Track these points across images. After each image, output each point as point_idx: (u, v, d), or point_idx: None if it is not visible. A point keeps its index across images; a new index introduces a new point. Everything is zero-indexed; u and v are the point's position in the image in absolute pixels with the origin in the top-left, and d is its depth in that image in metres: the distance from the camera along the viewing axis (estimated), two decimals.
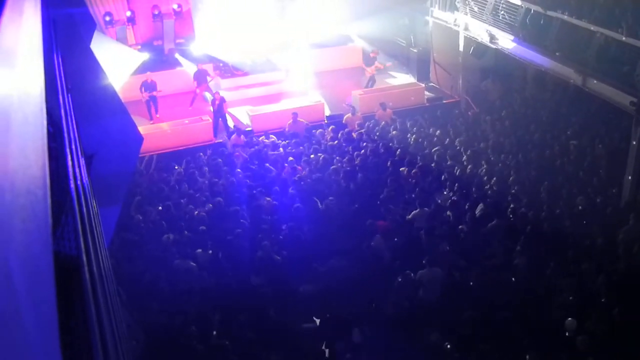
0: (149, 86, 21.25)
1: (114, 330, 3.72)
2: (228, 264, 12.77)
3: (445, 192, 15.13)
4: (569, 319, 10.37)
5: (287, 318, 11.31)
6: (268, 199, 14.87)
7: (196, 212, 14.59)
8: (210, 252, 13.02)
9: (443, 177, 15.68)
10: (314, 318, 11.63)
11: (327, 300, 11.85)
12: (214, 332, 10.77)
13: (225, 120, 20.75)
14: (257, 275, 12.32)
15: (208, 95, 22.19)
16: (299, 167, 16.65)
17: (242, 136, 19.23)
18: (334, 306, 11.63)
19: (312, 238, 13.48)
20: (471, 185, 15.30)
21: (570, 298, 11.06)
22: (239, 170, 16.81)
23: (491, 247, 12.91)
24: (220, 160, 17.62)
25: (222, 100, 20.53)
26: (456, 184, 15.22)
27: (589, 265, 11.77)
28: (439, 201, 14.67)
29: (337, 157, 17.12)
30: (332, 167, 16.34)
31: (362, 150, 17.50)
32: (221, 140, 19.73)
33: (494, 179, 15.37)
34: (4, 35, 1.46)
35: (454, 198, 14.55)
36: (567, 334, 10.30)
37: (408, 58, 25.34)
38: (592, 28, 15.60)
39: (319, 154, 17.38)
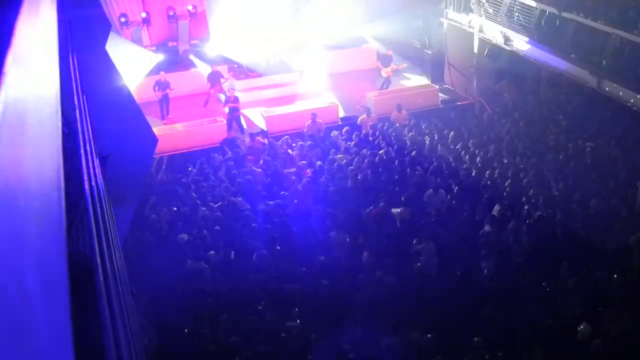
0: (162, 85, 21.34)
1: (127, 330, 3.73)
2: (239, 265, 12.85)
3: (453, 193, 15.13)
4: (584, 323, 10.31)
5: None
6: (270, 202, 14.93)
7: (214, 210, 14.76)
8: (222, 253, 13.07)
9: (458, 178, 15.69)
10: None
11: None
12: (225, 332, 10.79)
13: (239, 122, 20.81)
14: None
15: (222, 97, 22.26)
16: (308, 171, 16.71)
17: (258, 137, 19.25)
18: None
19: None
20: (485, 187, 15.29)
21: (584, 299, 11.03)
22: (249, 176, 16.85)
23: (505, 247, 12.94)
24: (232, 162, 17.68)
25: (236, 100, 20.59)
26: (470, 186, 15.23)
27: (602, 267, 11.73)
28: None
29: (356, 158, 17.21)
30: (350, 167, 16.47)
31: (370, 151, 17.56)
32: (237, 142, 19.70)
33: (508, 180, 15.30)
34: (21, 36, 1.47)
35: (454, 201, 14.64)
36: (580, 338, 10.24)
37: (422, 60, 25.25)
38: (607, 30, 15.50)
39: (339, 155, 17.50)
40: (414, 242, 12.96)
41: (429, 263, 12.54)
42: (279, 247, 13.19)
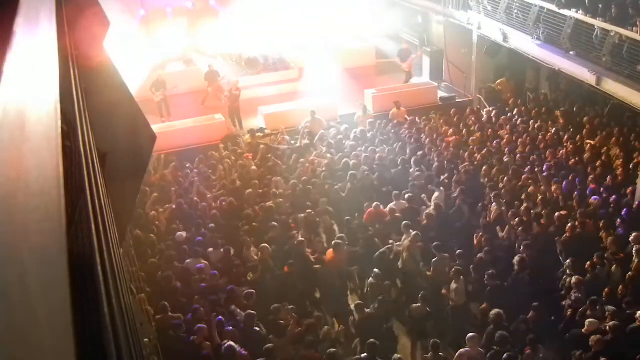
0: (159, 85, 21.29)
1: (127, 328, 3.74)
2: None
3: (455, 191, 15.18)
4: (591, 319, 10.32)
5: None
6: (277, 200, 14.98)
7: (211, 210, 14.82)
8: (222, 250, 13.11)
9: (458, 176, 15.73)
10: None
11: None
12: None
13: (239, 115, 20.91)
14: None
15: (222, 96, 22.23)
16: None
17: (257, 134, 19.29)
18: None
19: None
20: (484, 184, 15.33)
21: (582, 296, 11.06)
22: (253, 168, 16.87)
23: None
24: (233, 158, 17.70)
25: (239, 90, 20.70)
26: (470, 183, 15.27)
27: (602, 264, 11.74)
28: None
29: (353, 154, 17.26)
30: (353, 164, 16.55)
31: (369, 148, 17.60)
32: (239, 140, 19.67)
33: (507, 178, 15.30)
34: (21, 35, 1.47)
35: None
36: (584, 333, 10.27)
37: (421, 57, 25.26)
38: (606, 27, 15.48)
39: (332, 152, 17.55)
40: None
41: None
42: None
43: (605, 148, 16.62)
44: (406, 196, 14.81)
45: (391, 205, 14.66)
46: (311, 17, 25.14)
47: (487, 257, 12.55)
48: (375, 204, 14.42)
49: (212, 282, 12.13)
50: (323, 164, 16.79)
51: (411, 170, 16.19)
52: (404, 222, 13.40)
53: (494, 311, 10.83)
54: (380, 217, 14.28)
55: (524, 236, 12.91)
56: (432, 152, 17.36)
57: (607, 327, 10.14)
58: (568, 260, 12.02)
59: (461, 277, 11.98)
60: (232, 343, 10.00)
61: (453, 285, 11.94)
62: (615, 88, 15.24)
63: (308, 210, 14.44)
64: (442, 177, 15.73)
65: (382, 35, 25.88)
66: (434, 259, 12.64)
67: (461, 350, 10.22)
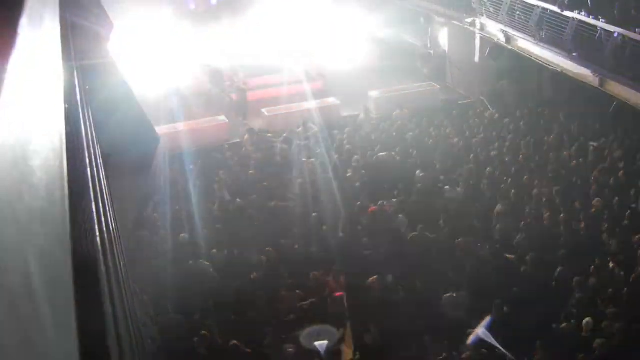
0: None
1: (130, 329, 3.75)
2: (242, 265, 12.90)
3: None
4: (587, 318, 10.29)
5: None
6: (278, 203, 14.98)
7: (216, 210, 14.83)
8: (226, 252, 13.10)
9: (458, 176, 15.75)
10: None
11: None
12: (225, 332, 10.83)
13: (245, 108, 20.98)
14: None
15: (224, 96, 22.23)
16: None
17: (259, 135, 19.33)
18: None
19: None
20: (487, 186, 15.32)
21: (585, 298, 11.03)
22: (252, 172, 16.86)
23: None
24: (236, 159, 17.71)
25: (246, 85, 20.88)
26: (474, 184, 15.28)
27: (605, 266, 11.71)
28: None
29: (355, 157, 17.23)
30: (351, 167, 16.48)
31: (369, 152, 17.60)
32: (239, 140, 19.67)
33: (510, 179, 15.29)
34: (24, 38, 1.48)
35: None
36: (583, 334, 10.23)
37: (424, 59, 25.22)
38: (609, 28, 15.47)
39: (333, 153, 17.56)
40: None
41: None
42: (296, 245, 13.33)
43: (608, 150, 16.60)
44: None
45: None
46: (313, 19, 25.10)
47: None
48: (380, 202, 14.42)
49: (216, 283, 12.14)
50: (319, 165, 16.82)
51: (417, 172, 16.16)
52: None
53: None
54: (384, 214, 14.29)
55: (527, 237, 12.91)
56: (435, 153, 17.33)
57: (611, 330, 10.11)
58: (561, 252, 11.99)
59: (461, 292, 11.53)
60: (236, 342, 10.01)
61: (446, 295, 11.54)
62: (618, 89, 15.22)
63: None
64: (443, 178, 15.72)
65: (385, 36, 25.81)
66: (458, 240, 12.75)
67: (463, 356, 10.18)
